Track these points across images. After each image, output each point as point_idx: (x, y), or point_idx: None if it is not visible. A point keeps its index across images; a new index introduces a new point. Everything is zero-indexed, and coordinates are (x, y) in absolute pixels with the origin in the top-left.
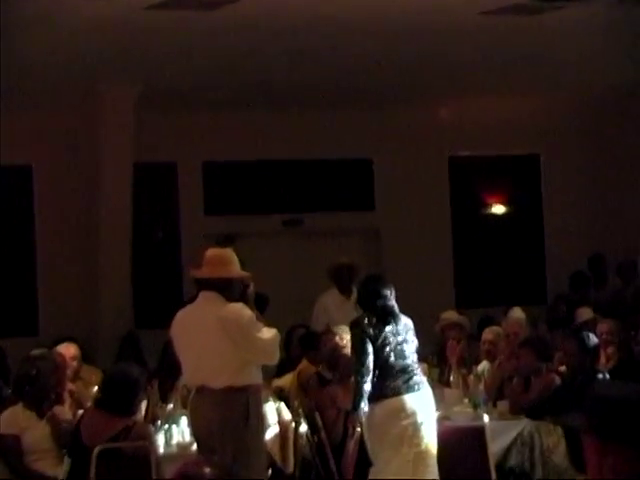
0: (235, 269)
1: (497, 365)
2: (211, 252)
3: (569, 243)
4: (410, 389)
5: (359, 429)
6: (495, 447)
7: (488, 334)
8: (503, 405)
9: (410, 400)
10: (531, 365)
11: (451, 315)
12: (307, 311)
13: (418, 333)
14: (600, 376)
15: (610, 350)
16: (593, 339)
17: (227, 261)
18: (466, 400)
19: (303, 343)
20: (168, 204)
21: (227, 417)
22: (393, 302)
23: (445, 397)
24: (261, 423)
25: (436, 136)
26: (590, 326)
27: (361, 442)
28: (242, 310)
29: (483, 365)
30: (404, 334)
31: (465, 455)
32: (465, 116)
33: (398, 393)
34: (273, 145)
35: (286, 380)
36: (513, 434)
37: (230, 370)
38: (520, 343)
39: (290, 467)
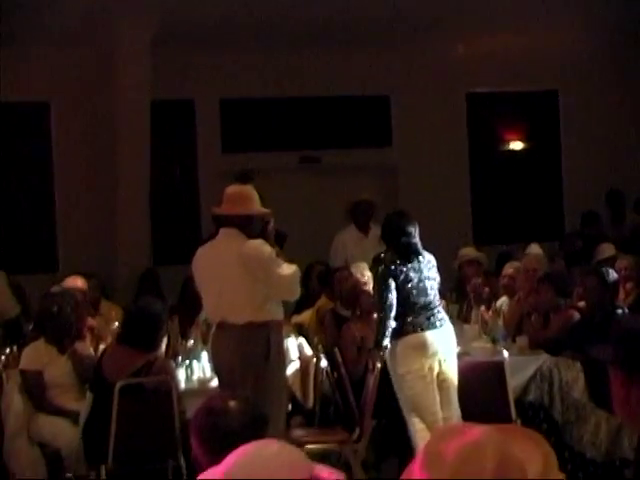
0: (255, 206)
1: (516, 301)
2: (231, 189)
3: (587, 179)
4: (432, 326)
5: (379, 365)
6: (514, 382)
7: (508, 269)
8: (522, 340)
9: (431, 336)
10: (550, 301)
11: (469, 251)
12: (324, 248)
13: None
14: (619, 312)
15: (629, 286)
16: (613, 275)
17: (247, 198)
18: (485, 336)
19: (322, 280)
20: (185, 141)
21: (248, 352)
22: (417, 239)
23: (464, 333)
24: (282, 358)
25: (454, 72)
26: (610, 263)
27: (381, 379)
28: (262, 246)
29: (502, 300)
30: (426, 271)
31: (485, 390)
32: (483, 52)
33: (420, 329)
34: (290, 82)
35: (305, 316)
36: (532, 369)
37: (251, 306)
38: (539, 279)
39: (310, 402)
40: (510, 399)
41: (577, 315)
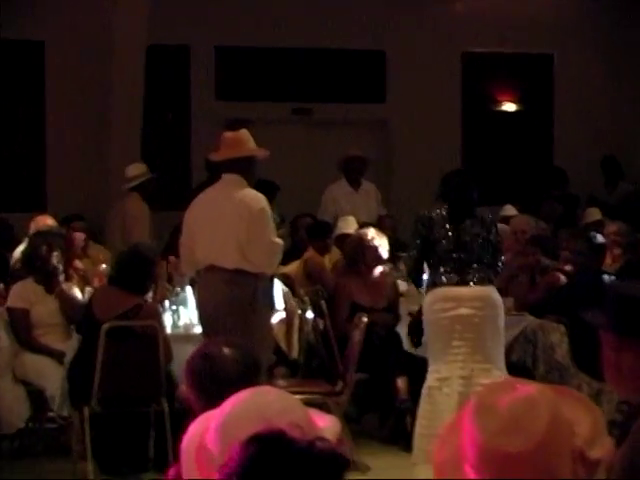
0: (254, 147)
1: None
2: (228, 135)
3: (579, 144)
4: (462, 282)
5: (365, 320)
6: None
7: None
8: (508, 302)
9: (459, 292)
10: (537, 263)
11: None
12: (314, 200)
13: None
14: (606, 277)
15: (617, 252)
16: (600, 239)
17: (246, 141)
18: None
19: (310, 232)
20: (180, 87)
21: (235, 297)
22: (469, 197)
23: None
24: (267, 307)
25: (450, 31)
26: (597, 227)
27: (368, 334)
28: (264, 202)
29: None
30: (474, 229)
31: None
32: (481, 12)
33: (450, 284)
34: (286, 32)
35: (292, 268)
36: (517, 330)
37: (241, 253)
38: (527, 241)
39: (294, 353)
40: None
41: (563, 278)
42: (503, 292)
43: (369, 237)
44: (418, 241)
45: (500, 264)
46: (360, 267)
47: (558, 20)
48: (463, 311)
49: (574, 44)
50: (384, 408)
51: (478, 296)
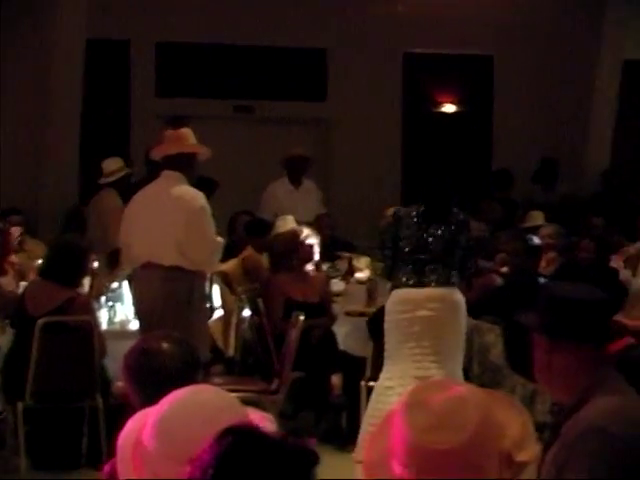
0: (195, 145)
1: None
2: (169, 132)
3: (518, 145)
4: (420, 283)
5: (302, 318)
6: None
7: None
8: None
9: (417, 293)
10: (474, 264)
11: None
12: (254, 198)
13: (363, 227)
14: (541, 279)
15: (551, 254)
16: (536, 241)
17: (187, 138)
18: None
19: (248, 230)
20: (120, 82)
21: (171, 294)
22: (444, 199)
23: (389, 291)
24: (204, 305)
25: (392, 31)
26: (534, 230)
27: (305, 332)
28: (203, 199)
29: None
30: (440, 231)
31: None
32: (422, 13)
33: (408, 285)
34: (228, 29)
35: (230, 265)
36: None
37: (179, 250)
38: None
39: (230, 350)
40: None
41: (499, 280)
42: None
43: (304, 234)
44: (390, 240)
45: (470, 266)
46: (292, 263)
47: (498, 22)
48: (421, 313)
49: (514, 46)
50: (319, 406)
51: (436, 297)
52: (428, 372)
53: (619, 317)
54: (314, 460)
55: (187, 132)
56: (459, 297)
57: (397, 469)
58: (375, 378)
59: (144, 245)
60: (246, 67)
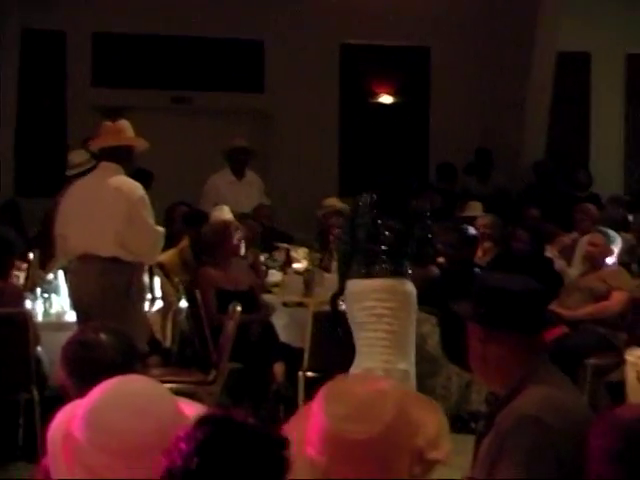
0: (133, 137)
1: None
2: (107, 123)
3: (454, 136)
4: (369, 274)
5: (239, 308)
6: None
7: None
8: None
9: (365, 284)
10: (432, 254)
11: (333, 202)
12: (192, 189)
13: (301, 218)
14: (477, 269)
15: (487, 244)
16: (472, 232)
17: (125, 130)
18: None
19: (186, 220)
20: (56, 73)
21: (109, 285)
22: (398, 189)
23: (325, 282)
24: (142, 296)
25: (329, 22)
26: (470, 220)
27: (243, 323)
28: (140, 188)
29: None
30: (392, 222)
31: (341, 339)
32: (359, 4)
33: (358, 276)
34: (166, 20)
35: (167, 256)
36: None
37: (118, 242)
38: None
39: (168, 341)
40: None
41: (436, 270)
42: None
43: (234, 225)
44: (348, 225)
45: (427, 256)
46: (220, 253)
47: (435, 13)
48: (368, 303)
49: (451, 37)
50: (257, 398)
51: (383, 288)
52: (381, 364)
53: (554, 306)
54: (285, 444)
55: (125, 124)
56: (409, 288)
57: (311, 455)
58: (313, 368)
59: (81, 236)
60: (184, 58)
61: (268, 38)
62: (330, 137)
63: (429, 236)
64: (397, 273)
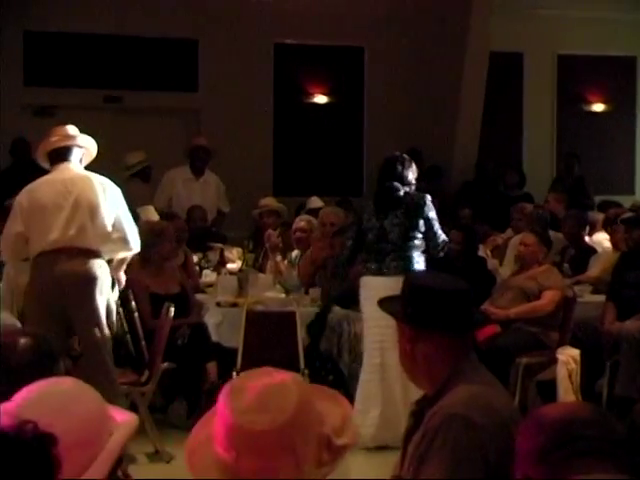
0: (88, 139)
1: (311, 253)
2: (63, 127)
3: (387, 137)
4: (379, 272)
5: (173, 310)
6: (305, 333)
7: (299, 222)
8: (315, 292)
9: (376, 282)
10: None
11: (269, 202)
12: (121, 188)
13: (236, 218)
14: None
15: None
16: None
17: (79, 133)
18: (279, 286)
19: None
20: None
21: (95, 278)
22: (390, 187)
23: (259, 282)
24: (111, 290)
25: (263, 22)
26: None
27: (174, 329)
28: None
29: (296, 252)
30: (396, 219)
31: (276, 339)
32: (293, 4)
33: (369, 273)
34: (98, 19)
35: None
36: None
37: (107, 234)
38: (335, 232)
39: None
40: (300, 349)
41: None
42: (310, 283)
43: (169, 229)
44: (353, 231)
45: (442, 241)
46: (153, 256)
47: (369, 13)
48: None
49: (384, 38)
50: (191, 398)
51: (392, 286)
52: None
53: (487, 306)
54: (51, 441)
55: (76, 129)
56: None
57: (219, 452)
58: (246, 368)
59: (64, 231)
60: (117, 57)
61: (202, 38)
62: (264, 137)
63: (434, 224)
64: (406, 269)
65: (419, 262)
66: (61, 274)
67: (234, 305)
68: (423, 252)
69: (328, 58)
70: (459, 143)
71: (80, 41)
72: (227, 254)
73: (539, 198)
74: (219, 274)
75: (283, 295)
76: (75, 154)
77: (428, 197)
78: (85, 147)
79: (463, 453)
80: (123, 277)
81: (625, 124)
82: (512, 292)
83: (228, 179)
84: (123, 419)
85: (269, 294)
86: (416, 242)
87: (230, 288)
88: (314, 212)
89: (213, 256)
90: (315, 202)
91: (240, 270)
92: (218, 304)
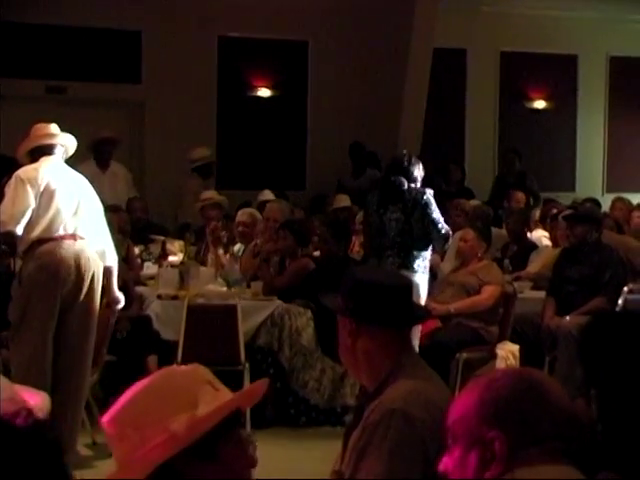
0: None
1: (253, 246)
2: (45, 125)
3: (332, 131)
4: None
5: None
6: (246, 326)
7: (242, 216)
8: (257, 286)
9: None
10: (289, 248)
11: (211, 195)
12: None
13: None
14: (351, 263)
15: (362, 238)
16: (346, 226)
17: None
18: (220, 279)
19: None
20: None
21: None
22: (394, 182)
23: (200, 275)
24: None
25: (207, 14)
26: (344, 213)
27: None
28: None
29: (239, 246)
30: (395, 214)
31: (217, 333)
32: None
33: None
34: (42, 9)
35: None
36: (264, 314)
37: (96, 224)
38: (280, 225)
39: None
40: (240, 343)
41: (312, 264)
42: (252, 276)
43: (113, 222)
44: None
45: (439, 237)
46: None
47: (313, 7)
48: None
49: (328, 32)
50: None
51: None
52: None
53: (427, 301)
54: (60, 449)
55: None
56: (416, 281)
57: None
58: (187, 361)
59: (72, 217)
60: (59, 47)
61: (146, 29)
62: (207, 129)
63: (433, 217)
64: (405, 267)
65: (418, 259)
66: (74, 257)
67: (175, 298)
68: (424, 248)
69: (272, 51)
70: (402, 137)
71: (22, 30)
72: (169, 246)
73: (481, 194)
74: (160, 266)
75: (225, 288)
76: (58, 152)
77: (428, 192)
78: (65, 146)
79: (402, 448)
80: (121, 296)
81: (566, 121)
82: (453, 288)
83: (170, 171)
84: (37, 401)
85: (211, 287)
86: (415, 238)
87: (171, 281)
88: (264, 205)
89: (155, 249)
90: (267, 195)
91: (182, 263)
92: (159, 297)
